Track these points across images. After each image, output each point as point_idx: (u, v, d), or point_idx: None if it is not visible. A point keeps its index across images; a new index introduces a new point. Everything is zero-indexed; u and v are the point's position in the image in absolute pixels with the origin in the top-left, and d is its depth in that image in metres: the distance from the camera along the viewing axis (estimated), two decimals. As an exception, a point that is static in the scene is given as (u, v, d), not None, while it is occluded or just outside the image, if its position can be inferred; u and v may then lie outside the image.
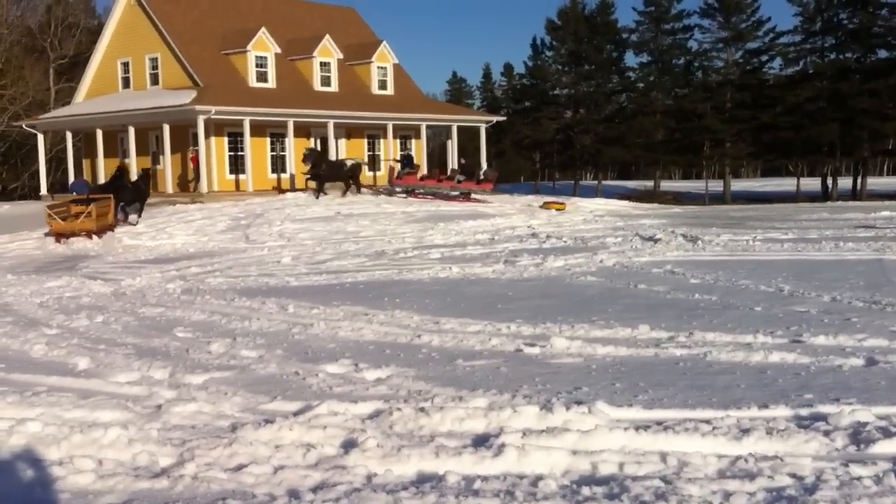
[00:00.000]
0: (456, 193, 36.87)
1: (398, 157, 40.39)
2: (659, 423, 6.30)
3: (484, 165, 43.13)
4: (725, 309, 11.23)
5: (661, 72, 66.12)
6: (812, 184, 64.27)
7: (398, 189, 37.28)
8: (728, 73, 63.26)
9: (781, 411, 6.58)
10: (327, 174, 35.07)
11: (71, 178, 41.69)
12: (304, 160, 34.83)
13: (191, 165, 37.91)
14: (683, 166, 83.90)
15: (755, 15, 62.62)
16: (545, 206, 35.77)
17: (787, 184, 72.77)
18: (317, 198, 34.11)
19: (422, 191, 37.32)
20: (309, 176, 35.12)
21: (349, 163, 36.81)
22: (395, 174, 37.84)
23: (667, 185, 74.60)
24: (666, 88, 66.76)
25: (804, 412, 6.54)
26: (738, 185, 74.84)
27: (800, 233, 22.47)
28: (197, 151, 36.55)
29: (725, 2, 62.00)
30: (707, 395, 7.16)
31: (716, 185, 64.40)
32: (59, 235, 25.72)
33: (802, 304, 11.33)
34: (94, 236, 25.56)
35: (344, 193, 35.05)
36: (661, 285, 13.50)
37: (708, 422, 6.26)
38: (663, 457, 5.64)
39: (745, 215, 32.45)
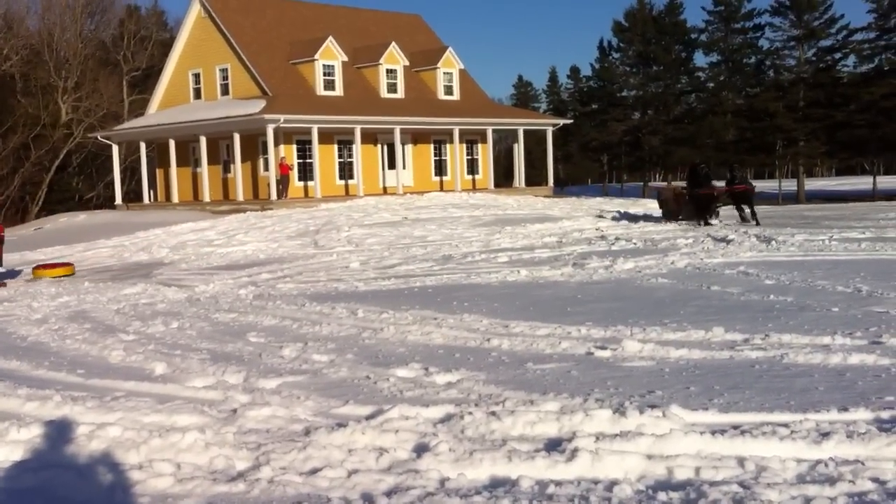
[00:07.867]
0: None
1: None
2: (735, 426, 6.18)
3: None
4: (802, 310, 10.98)
5: (732, 71, 65.15)
6: (889, 182, 62.74)
7: None
8: (800, 72, 62.04)
9: (862, 414, 6.41)
10: None
11: (145, 187, 42.61)
12: None
13: (280, 173, 37.46)
14: (755, 166, 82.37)
15: (828, 13, 61.35)
16: (36, 273, 21.44)
17: (863, 182, 71.10)
18: None
19: None
20: None
21: None
22: None
23: (738, 185, 73.29)
24: (736, 88, 65.76)
25: (885, 415, 6.36)
26: (813, 184, 73.32)
27: (877, 232, 21.87)
28: (289, 166, 36.81)
29: (797, 0, 60.85)
30: (785, 398, 7.01)
31: (789, 185, 63.19)
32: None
33: (881, 305, 11.02)
34: None
35: None
36: (734, 287, 13.26)
37: (786, 425, 6.12)
38: (741, 461, 5.53)
39: (820, 215, 31.74)
